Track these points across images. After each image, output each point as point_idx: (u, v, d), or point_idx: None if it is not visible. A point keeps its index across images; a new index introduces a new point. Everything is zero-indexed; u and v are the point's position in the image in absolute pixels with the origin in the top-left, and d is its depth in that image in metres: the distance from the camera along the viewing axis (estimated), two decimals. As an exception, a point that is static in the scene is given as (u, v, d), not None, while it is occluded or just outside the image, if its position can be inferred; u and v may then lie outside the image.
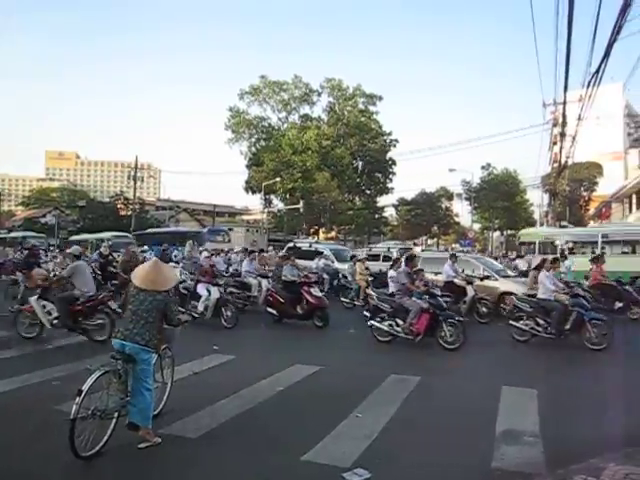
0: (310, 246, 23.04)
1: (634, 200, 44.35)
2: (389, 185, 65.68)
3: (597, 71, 11.39)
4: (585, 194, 57.31)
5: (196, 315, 11.84)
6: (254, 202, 66.39)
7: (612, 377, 8.07)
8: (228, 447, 5.15)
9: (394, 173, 64.95)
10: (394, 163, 63.96)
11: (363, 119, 61.74)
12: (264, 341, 10.99)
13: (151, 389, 5.21)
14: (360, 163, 64.39)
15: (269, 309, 13.00)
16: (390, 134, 64.04)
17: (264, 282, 14.91)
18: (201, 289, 12.42)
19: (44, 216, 59.66)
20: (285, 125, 63.29)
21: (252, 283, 15.26)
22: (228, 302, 12.46)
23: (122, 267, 15.21)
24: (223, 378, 7.70)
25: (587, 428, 5.81)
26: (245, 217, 73.63)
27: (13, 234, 45.10)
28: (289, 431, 5.61)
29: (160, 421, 5.60)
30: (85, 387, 4.64)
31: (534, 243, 25.18)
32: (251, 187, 59.83)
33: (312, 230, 60.58)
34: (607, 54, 10.22)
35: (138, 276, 5.36)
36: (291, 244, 24.89)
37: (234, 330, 11.91)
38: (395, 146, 64.14)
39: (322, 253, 21.34)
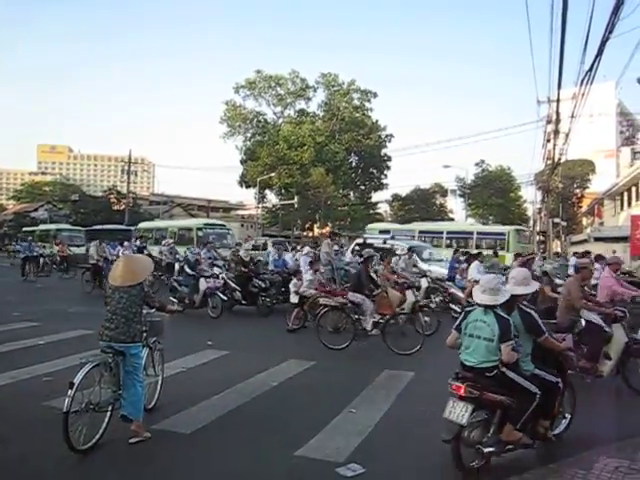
0: (384, 242, 19.02)
1: (625, 198, 44.59)
2: (384, 181, 65.77)
3: (590, 69, 11.47)
4: (578, 191, 57.55)
5: None
6: (249, 197, 66.27)
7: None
8: (221, 443, 5.15)
9: (389, 168, 65.03)
10: (389, 159, 64.01)
11: (358, 115, 61.70)
12: (258, 336, 10.97)
13: (142, 382, 5.22)
14: (355, 159, 64.37)
15: None
16: (385, 129, 64.09)
17: None
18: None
19: (36, 210, 59.17)
20: (280, 120, 63.18)
21: None
22: None
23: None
24: (217, 373, 7.70)
25: (579, 422, 5.85)
26: (240, 212, 73.58)
27: (43, 227, 38.48)
28: (283, 426, 5.62)
29: (153, 416, 5.61)
30: (77, 379, 4.62)
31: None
32: (246, 182, 59.70)
33: (307, 225, 60.57)
34: (600, 52, 10.30)
35: (110, 275, 5.38)
36: (360, 240, 20.90)
37: (228, 326, 11.95)
38: (390, 141, 64.18)
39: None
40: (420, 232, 29.01)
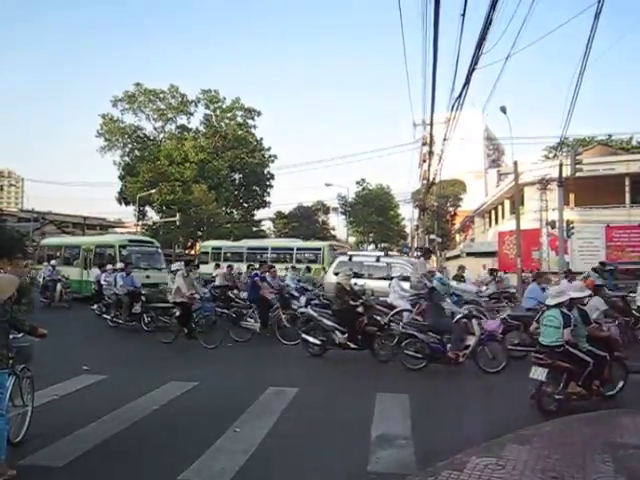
0: (378, 260, 17.12)
1: (493, 216, 48.26)
2: (267, 198, 66.04)
3: (459, 96, 12.35)
4: (451, 209, 61.34)
5: None
6: (128, 214, 63.41)
7: (473, 382, 8.68)
8: (98, 473, 4.86)
9: (272, 187, 65.46)
10: (272, 177, 64.45)
11: (241, 132, 61.61)
12: (137, 358, 10.52)
13: (4, 414, 4.78)
14: (238, 176, 64.11)
15: None
16: (269, 149, 64.57)
17: None
18: None
19: None
20: (161, 135, 61.60)
21: None
22: None
23: None
24: (94, 399, 7.27)
25: (453, 428, 6.21)
26: (118, 230, 70.34)
27: None
28: (165, 451, 5.42)
29: (21, 450, 5.18)
30: None
31: (209, 253, 32.10)
32: (125, 198, 57.35)
33: (189, 243, 59.27)
34: (467, 81, 11.19)
35: None
36: (344, 257, 18.28)
37: (106, 348, 11.37)
38: (273, 162, 64.72)
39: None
40: (248, 248, 31.23)
